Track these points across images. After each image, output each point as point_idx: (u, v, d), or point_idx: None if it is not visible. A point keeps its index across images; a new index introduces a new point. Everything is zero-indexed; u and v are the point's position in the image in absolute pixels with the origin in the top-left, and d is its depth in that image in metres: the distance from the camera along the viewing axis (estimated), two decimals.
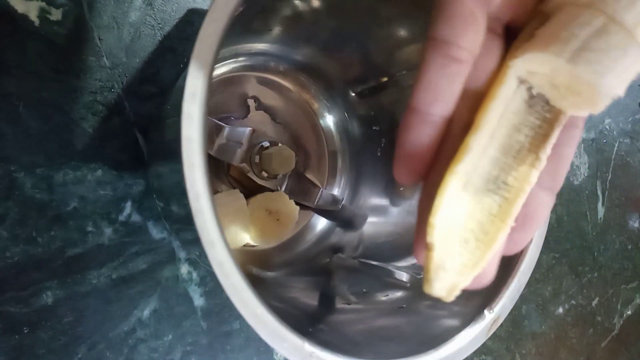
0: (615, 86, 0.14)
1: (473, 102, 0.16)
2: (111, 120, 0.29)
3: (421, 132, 0.16)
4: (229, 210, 0.30)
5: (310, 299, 0.30)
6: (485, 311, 0.23)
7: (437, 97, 0.16)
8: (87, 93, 0.28)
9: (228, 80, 0.33)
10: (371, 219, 0.36)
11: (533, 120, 0.16)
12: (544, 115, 0.16)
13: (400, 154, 0.16)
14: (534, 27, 0.16)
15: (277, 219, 0.32)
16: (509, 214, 0.16)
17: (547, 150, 0.16)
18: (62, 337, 0.27)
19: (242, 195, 0.31)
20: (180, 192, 0.17)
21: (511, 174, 0.16)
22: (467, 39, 0.15)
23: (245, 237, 0.31)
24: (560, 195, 0.52)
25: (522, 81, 0.16)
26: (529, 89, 0.16)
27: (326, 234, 0.37)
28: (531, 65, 0.15)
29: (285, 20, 0.29)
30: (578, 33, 0.14)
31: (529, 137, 0.16)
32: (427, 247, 0.16)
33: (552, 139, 0.16)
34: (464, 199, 0.16)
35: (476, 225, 0.16)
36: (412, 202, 0.34)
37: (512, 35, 0.17)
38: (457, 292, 0.16)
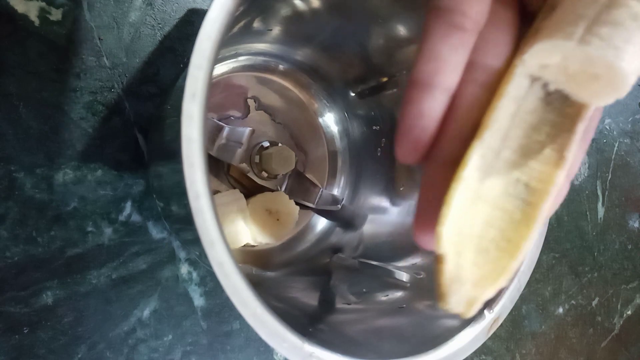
0: (636, 61, 0.13)
1: (482, 77, 0.15)
2: (111, 120, 0.29)
3: (424, 106, 0.15)
4: (229, 210, 0.30)
5: (310, 299, 0.30)
6: (485, 311, 0.23)
7: (440, 67, 0.15)
8: (87, 93, 0.28)
9: (228, 80, 0.33)
10: (371, 219, 0.36)
11: (553, 117, 0.15)
12: (564, 111, 0.15)
13: (403, 129, 0.15)
14: (540, 22, 0.15)
15: (277, 219, 0.32)
16: (535, 219, 0.15)
17: (573, 148, 0.15)
18: (62, 337, 0.27)
19: (242, 195, 0.31)
20: (180, 192, 0.17)
21: (533, 177, 0.15)
22: (472, 7, 0.14)
23: (246, 237, 0.31)
24: None
25: (535, 79, 0.15)
26: (545, 85, 0.15)
27: (326, 234, 0.37)
28: (541, 58, 0.14)
29: (285, 20, 0.29)
30: (585, 13, 0.13)
31: (550, 135, 0.15)
32: (437, 259, 0.15)
33: (577, 135, 0.15)
34: (480, 207, 0.15)
35: (497, 234, 0.15)
36: (412, 202, 0.34)
37: (525, 19, 0.16)
38: (477, 307, 0.15)
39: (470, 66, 0.15)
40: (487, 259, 0.15)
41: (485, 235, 0.15)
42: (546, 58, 0.14)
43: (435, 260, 0.15)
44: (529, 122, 0.15)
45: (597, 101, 0.14)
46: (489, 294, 0.15)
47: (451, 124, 0.15)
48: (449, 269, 0.15)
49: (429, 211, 0.16)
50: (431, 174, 0.16)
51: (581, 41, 0.13)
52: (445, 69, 0.15)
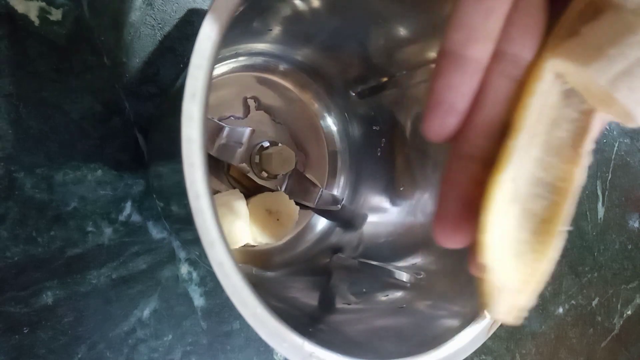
0: None
1: (510, 69, 0.14)
2: (111, 120, 0.29)
3: (454, 78, 0.14)
4: (229, 210, 0.30)
5: (310, 299, 0.30)
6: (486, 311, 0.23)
7: (472, 36, 0.14)
8: (87, 93, 0.28)
9: (228, 80, 0.33)
10: (371, 219, 0.36)
11: (571, 112, 0.15)
12: (580, 107, 0.15)
13: (431, 102, 0.14)
14: (577, 14, 0.14)
15: (277, 219, 0.32)
16: (561, 217, 0.14)
17: (588, 144, 0.14)
18: (62, 337, 0.27)
19: (242, 195, 0.31)
20: (180, 192, 0.17)
21: (556, 175, 0.15)
22: None
23: (246, 237, 0.31)
24: None
25: (558, 76, 0.15)
26: (564, 82, 0.15)
27: (326, 234, 0.37)
28: (568, 70, 0.14)
29: (285, 20, 0.29)
30: (627, 53, 0.13)
31: (569, 131, 0.15)
32: (482, 270, 0.14)
33: (592, 133, 0.14)
34: (513, 209, 0.15)
35: (529, 236, 0.15)
36: (412, 202, 0.34)
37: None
38: (523, 313, 0.15)
39: (498, 56, 0.14)
40: (525, 262, 0.15)
41: (519, 238, 0.15)
42: (572, 73, 0.14)
43: (478, 270, 0.14)
44: (550, 117, 0.15)
45: (605, 113, 0.14)
46: (530, 299, 0.15)
47: (478, 117, 0.15)
48: (495, 278, 0.14)
49: (452, 208, 0.15)
50: (455, 168, 0.15)
51: (611, 84, 0.13)
52: (477, 38, 0.14)
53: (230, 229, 0.30)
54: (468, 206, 0.14)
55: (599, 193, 0.56)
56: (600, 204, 0.56)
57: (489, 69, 0.14)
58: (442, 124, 0.15)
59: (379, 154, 0.36)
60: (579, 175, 0.15)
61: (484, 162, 0.14)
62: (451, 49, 0.14)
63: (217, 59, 0.16)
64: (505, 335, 0.48)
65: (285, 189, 0.34)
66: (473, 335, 0.23)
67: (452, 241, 0.15)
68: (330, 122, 0.38)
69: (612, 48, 0.13)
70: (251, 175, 0.32)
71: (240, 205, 0.30)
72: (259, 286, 0.18)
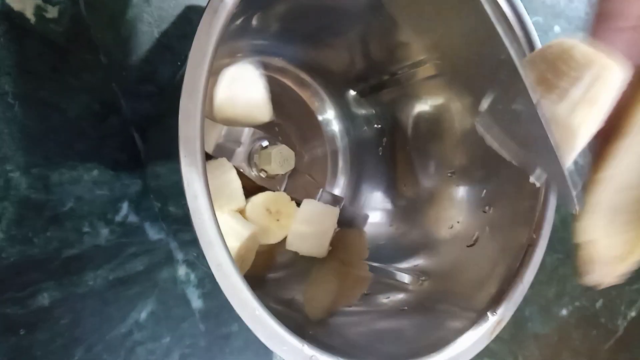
0: None
1: None
2: (108, 119, 0.28)
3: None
4: (218, 183, 0.29)
5: None
6: (488, 313, 0.23)
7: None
8: (83, 92, 0.28)
9: None
10: (372, 220, 0.36)
11: None
12: None
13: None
14: None
15: (277, 219, 0.32)
16: None
17: None
18: (59, 339, 0.27)
19: (231, 165, 0.30)
20: (178, 192, 0.16)
21: None
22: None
23: (239, 199, 0.29)
24: None
25: None
26: None
27: None
28: None
29: (284, 18, 0.29)
30: None
31: None
32: (577, 247, 0.18)
33: None
34: (618, 198, 0.18)
35: (633, 217, 0.18)
36: (413, 202, 0.34)
37: None
38: (610, 279, 0.19)
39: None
40: (621, 240, 0.19)
41: (623, 219, 0.18)
42: None
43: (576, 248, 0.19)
44: None
45: None
46: (622, 269, 0.19)
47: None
48: (585, 254, 0.19)
49: None
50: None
51: None
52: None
53: (219, 203, 0.28)
54: None
55: None
56: None
57: None
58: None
59: (380, 153, 0.36)
60: None
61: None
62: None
63: (215, 57, 0.16)
64: (508, 337, 0.48)
65: (285, 189, 0.34)
66: (476, 337, 0.23)
67: None
68: (331, 121, 0.38)
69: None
70: (251, 175, 0.32)
71: (231, 177, 0.29)
72: (258, 287, 0.18)
